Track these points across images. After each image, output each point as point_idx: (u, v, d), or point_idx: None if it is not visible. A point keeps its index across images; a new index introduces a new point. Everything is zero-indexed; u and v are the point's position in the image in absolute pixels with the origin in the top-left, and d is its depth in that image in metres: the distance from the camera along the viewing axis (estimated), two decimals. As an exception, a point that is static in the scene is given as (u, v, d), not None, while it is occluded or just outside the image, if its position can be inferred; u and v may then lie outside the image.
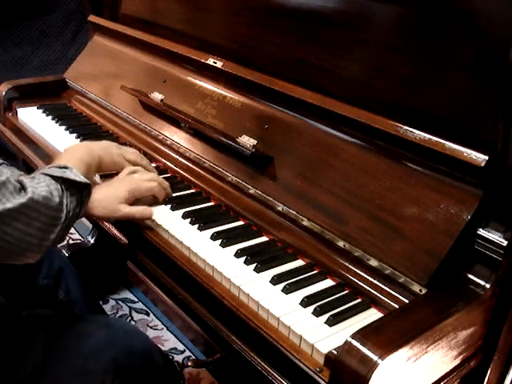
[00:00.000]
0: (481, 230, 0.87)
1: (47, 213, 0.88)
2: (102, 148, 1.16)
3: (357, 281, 0.95)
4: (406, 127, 0.95)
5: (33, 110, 1.72)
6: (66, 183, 0.94)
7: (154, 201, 1.16)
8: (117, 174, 1.19)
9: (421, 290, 0.87)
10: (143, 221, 1.11)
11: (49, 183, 0.91)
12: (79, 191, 0.96)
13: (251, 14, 1.33)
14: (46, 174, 0.93)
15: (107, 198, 1.08)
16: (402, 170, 0.97)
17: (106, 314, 1.68)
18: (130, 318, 1.95)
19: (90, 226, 2.08)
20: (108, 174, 1.24)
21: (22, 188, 0.86)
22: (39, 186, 0.89)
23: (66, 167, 0.97)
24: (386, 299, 0.90)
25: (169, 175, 1.33)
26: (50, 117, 1.66)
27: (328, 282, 0.96)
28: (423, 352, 0.74)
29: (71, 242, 2.34)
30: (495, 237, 0.85)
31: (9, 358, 0.96)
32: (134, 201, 1.12)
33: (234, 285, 0.93)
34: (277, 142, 1.17)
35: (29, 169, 1.65)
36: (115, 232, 1.21)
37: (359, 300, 0.92)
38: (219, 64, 1.35)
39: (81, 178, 0.96)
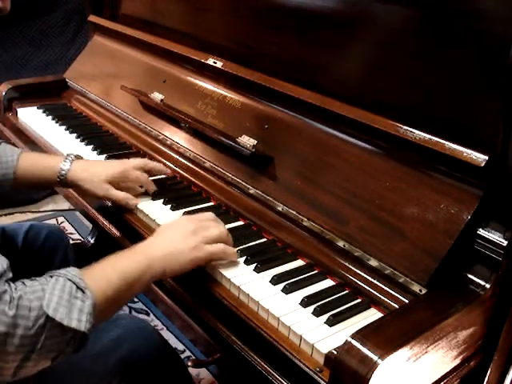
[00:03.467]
0: (481, 230, 0.87)
1: None
2: (170, 253, 0.90)
3: (357, 281, 0.95)
4: (405, 127, 0.95)
5: (33, 110, 1.72)
6: (51, 322, 0.72)
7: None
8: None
9: (421, 290, 0.87)
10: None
11: (21, 316, 0.70)
12: (71, 337, 0.74)
13: (251, 13, 1.33)
14: (39, 297, 0.72)
15: (95, 172, 1.11)
16: (401, 170, 0.97)
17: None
18: (129, 318, 1.95)
19: (90, 226, 2.08)
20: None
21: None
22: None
23: (83, 290, 0.76)
24: (386, 299, 0.90)
25: (169, 175, 1.33)
26: (50, 117, 1.66)
27: (328, 282, 0.96)
28: (423, 352, 0.74)
29: (71, 242, 2.34)
30: (495, 237, 0.85)
31: None
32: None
33: (233, 285, 0.93)
34: (277, 142, 1.17)
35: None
36: (115, 232, 1.21)
37: (359, 300, 0.92)
38: (219, 64, 1.35)
39: (78, 323, 0.74)
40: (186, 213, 1.13)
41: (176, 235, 0.94)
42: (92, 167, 1.17)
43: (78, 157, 1.20)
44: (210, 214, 1.03)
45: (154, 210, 1.14)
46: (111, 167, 1.16)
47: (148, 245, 0.92)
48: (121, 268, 0.85)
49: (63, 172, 1.14)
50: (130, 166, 1.17)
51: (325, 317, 0.85)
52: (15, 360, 0.71)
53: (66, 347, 0.75)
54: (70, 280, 0.77)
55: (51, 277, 0.78)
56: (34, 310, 0.72)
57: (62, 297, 0.75)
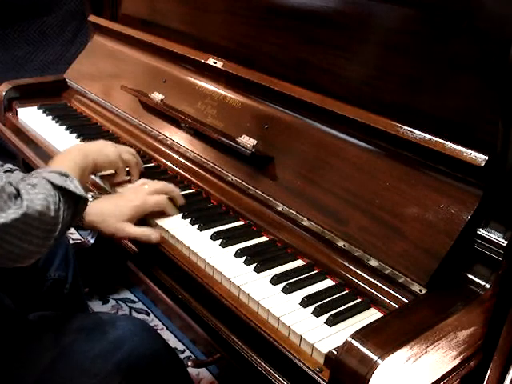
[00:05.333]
0: (481, 230, 0.87)
1: (41, 227, 0.85)
2: (97, 150, 1.15)
3: (357, 281, 0.95)
4: (406, 127, 0.95)
5: (33, 110, 1.72)
6: (64, 194, 0.91)
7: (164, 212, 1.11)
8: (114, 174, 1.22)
9: (421, 290, 0.87)
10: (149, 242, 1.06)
11: (47, 194, 0.87)
12: (75, 203, 0.94)
13: (251, 14, 1.33)
14: (47, 180, 0.90)
15: (110, 214, 1.04)
16: (401, 169, 0.97)
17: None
18: (130, 317, 1.95)
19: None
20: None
21: (19, 195, 0.83)
22: (37, 197, 0.85)
23: (67, 175, 0.94)
24: (385, 299, 0.90)
25: (169, 175, 1.33)
26: (50, 117, 1.66)
27: (328, 282, 0.96)
28: (423, 352, 0.74)
29: (71, 241, 2.34)
30: (495, 237, 0.85)
31: (17, 360, 0.96)
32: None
33: (233, 285, 0.93)
34: (277, 142, 1.17)
35: (28, 168, 1.65)
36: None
37: (359, 300, 0.92)
38: (219, 64, 1.35)
39: (80, 191, 0.94)
40: (186, 213, 1.13)
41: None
42: (106, 210, 1.08)
43: (95, 196, 1.15)
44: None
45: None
46: (125, 205, 1.07)
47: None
48: (74, 161, 1.06)
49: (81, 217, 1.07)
50: (144, 194, 1.10)
51: (325, 317, 0.85)
52: (56, 235, 0.88)
53: (74, 218, 0.95)
54: (51, 172, 0.93)
55: (33, 176, 0.92)
56: (51, 189, 0.89)
57: (60, 180, 0.92)
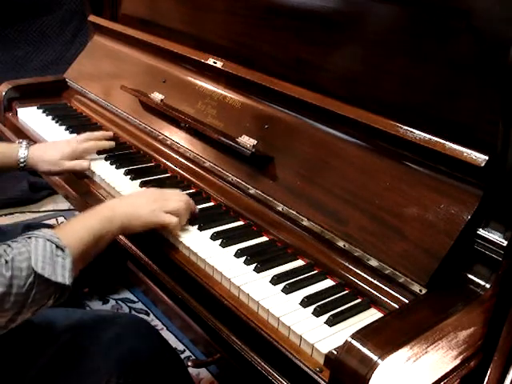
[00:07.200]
0: (481, 230, 0.87)
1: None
2: (130, 212, 1.01)
3: (357, 281, 0.95)
4: (406, 127, 0.95)
5: (33, 110, 1.72)
6: (40, 278, 0.81)
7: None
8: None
9: (421, 290, 0.87)
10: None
11: (15, 275, 0.78)
12: (53, 291, 0.84)
13: (251, 13, 1.33)
14: (27, 257, 0.81)
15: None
16: (402, 170, 0.97)
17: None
18: (130, 317, 1.95)
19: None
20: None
21: None
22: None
23: (63, 249, 0.85)
24: (386, 299, 0.90)
25: (169, 175, 1.33)
26: (50, 117, 1.66)
27: (328, 282, 0.96)
28: (423, 352, 0.74)
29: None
30: (495, 237, 0.85)
31: (16, 357, 0.96)
32: None
33: (233, 285, 0.93)
34: (277, 142, 1.17)
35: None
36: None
37: (359, 300, 0.92)
38: (219, 64, 1.35)
39: (60, 278, 0.83)
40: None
41: (139, 200, 1.06)
42: (47, 151, 1.31)
43: (30, 143, 1.32)
44: (176, 191, 1.14)
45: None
46: (62, 148, 1.31)
47: (114, 204, 1.04)
48: (89, 225, 0.94)
49: (22, 160, 1.27)
50: (75, 142, 1.33)
51: (325, 317, 0.85)
52: (8, 315, 0.80)
53: (48, 300, 0.84)
54: (48, 240, 0.85)
55: (30, 238, 0.85)
56: (24, 270, 0.80)
57: (46, 256, 0.83)
